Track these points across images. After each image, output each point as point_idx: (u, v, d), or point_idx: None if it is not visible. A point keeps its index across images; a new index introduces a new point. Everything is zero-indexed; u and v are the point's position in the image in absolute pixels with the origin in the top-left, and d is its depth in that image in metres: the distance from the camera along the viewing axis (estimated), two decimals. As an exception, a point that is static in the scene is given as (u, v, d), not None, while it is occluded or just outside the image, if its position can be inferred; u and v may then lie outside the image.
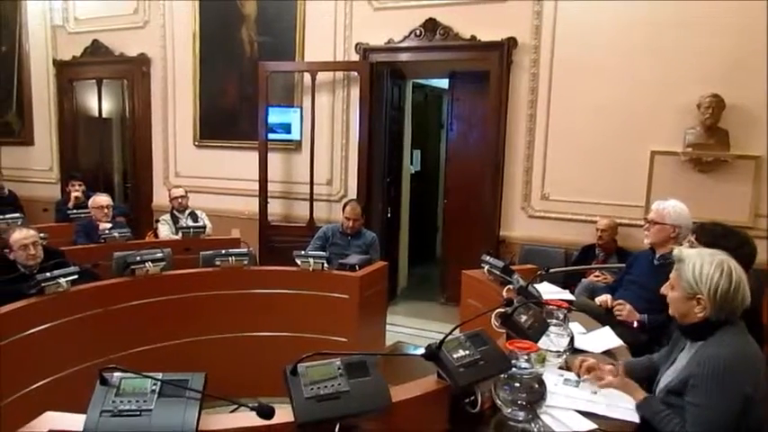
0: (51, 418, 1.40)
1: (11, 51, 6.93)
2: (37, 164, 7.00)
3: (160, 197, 6.23)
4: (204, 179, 5.95)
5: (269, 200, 5.48)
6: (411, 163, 6.35)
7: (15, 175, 6.96)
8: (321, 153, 5.41)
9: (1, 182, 6.57)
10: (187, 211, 5.09)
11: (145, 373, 1.33)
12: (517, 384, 1.61)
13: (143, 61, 6.17)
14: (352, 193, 5.30)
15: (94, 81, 6.66)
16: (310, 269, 3.50)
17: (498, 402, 1.61)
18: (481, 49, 4.84)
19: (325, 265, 3.53)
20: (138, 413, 1.27)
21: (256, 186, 5.48)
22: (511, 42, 4.69)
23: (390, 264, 4.28)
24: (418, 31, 4.96)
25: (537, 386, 1.63)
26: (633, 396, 1.74)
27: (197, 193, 5.51)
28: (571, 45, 4.51)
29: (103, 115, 6.79)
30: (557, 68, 4.60)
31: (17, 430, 1.36)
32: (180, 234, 4.60)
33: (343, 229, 4.26)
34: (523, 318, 1.92)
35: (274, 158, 5.54)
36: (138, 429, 1.25)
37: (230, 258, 3.51)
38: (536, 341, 1.85)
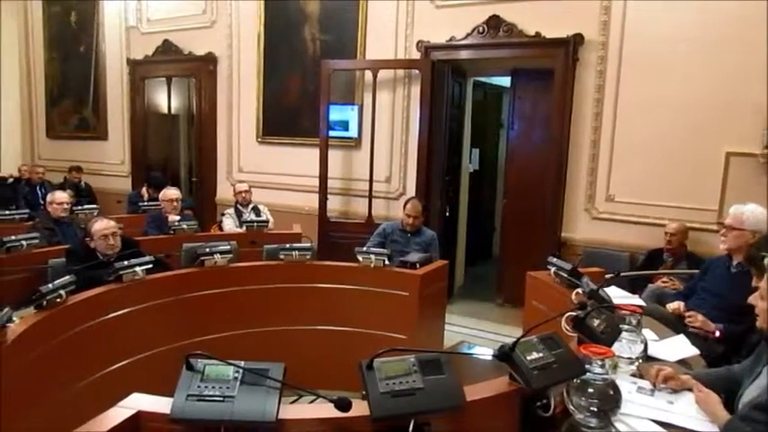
0: (139, 398, 1.47)
1: (88, 51, 7.32)
2: (110, 158, 7.37)
3: (223, 191, 6.43)
4: (266, 175, 6.11)
5: (328, 196, 5.56)
6: (470, 162, 6.30)
7: (90, 169, 7.34)
8: (380, 150, 5.45)
9: (79, 175, 6.97)
10: (250, 206, 5.24)
11: (228, 361, 1.38)
12: (591, 390, 1.57)
13: (210, 60, 6.38)
14: (411, 191, 5.31)
15: (164, 79, 6.96)
16: (371, 265, 3.53)
17: (571, 407, 1.58)
18: (546, 45, 4.75)
19: (386, 261, 3.55)
20: (222, 399, 1.31)
21: (316, 183, 5.57)
22: (577, 39, 4.58)
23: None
24: (481, 29, 4.92)
25: (611, 393, 1.59)
26: (715, 414, 1.66)
27: (258, 189, 5.66)
28: (641, 41, 4.37)
29: (172, 112, 7.08)
30: (625, 65, 4.46)
31: (108, 409, 1.44)
32: (244, 227, 4.74)
33: (403, 226, 4.27)
34: (596, 322, 1.88)
35: (334, 155, 5.62)
36: (221, 415, 1.29)
37: (294, 253, 3.57)
38: (609, 346, 1.80)
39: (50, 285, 2.56)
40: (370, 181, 5.41)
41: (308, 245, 3.71)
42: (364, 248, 3.72)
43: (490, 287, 5.84)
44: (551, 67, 4.77)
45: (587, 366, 1.62)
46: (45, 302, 2.51)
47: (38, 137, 8.04)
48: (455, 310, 5.09)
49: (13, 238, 3.71)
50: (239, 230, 4.82)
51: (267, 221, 4.91)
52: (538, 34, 4.73)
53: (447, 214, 5.62)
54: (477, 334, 4.68)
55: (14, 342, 2.18)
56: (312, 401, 1.48)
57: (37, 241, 3.82)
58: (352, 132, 5.64)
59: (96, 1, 7.15)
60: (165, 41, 6.65)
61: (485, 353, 3.56)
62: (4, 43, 7.71)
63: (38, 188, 6.74)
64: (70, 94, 7.63)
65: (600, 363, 1.63)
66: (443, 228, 5.43)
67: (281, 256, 3.59)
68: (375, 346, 3.13)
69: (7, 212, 4.82)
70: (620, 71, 4.48)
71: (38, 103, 7.93)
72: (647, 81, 4.36)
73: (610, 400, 1.57)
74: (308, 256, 3.61)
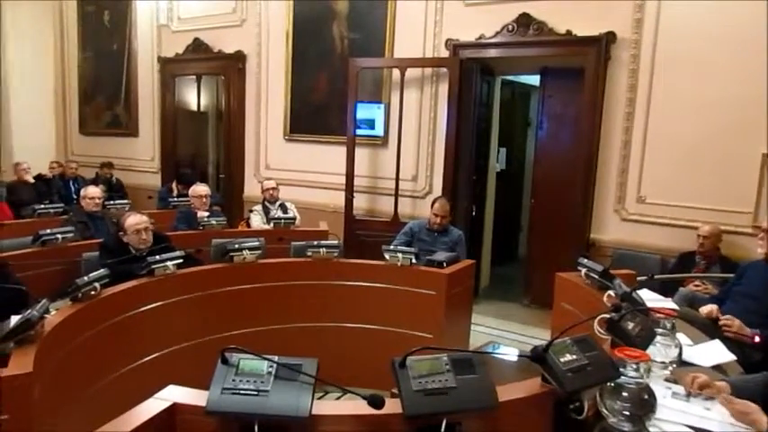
0: (174, 390, 1.49)
1: (121, 49, 7.46)
2: (140, 154, 7.50)
3: (251, 188, 6.50)
4: (292, 172, 6.16)
5: (354, 194, 5.57)
6: (497, 161, 6.25)
7: (121, 164, 7.49)
8: (407, 149, 5.44)
9: (110, 171, 7.12)
10: (277, 203, 5.28)
11: (263, 355, 1.39)
12: (625, 394, 1.55)
13: (239, 58, 6.45)
14: (438, 190, 5.30)
15: (194, 77, 7.05)
16: (398, 264, 3.53)
17: (604, 411, 1.56)
18: (577, 44, 4.69)
19: (413, 260, 3.54)
20: (256, 393, 1.33)
21: (342, 180, 5.59)
22: (609, 37, 4.52)
23: (473, 262, 4.25)
24: (511, 27, 4.88)
25: (646, 397, 1.56)
26: (758, 422, 1.61)
27: (285, 186, 5.69)
28: (675, 39, 4.28)
29: (200, 109, 7.17)
30: (659, 64, 4.38)
31: (142, 400, 1.47)
32: (271, 224, 4.78)
33: (430, 225, 4.26)
34: (630, 325, 1.85)
35: (360, 153, 5.63)
36: (255, 408, 1.30)
37: (321, 250, 3.59)
38: (643, 350, 1.77)
39: (86, 278, 2.62)
40: (397, 179, 5.41)
41: (336, 242, 3.73)
42: (391, 246, 3.72)
43: (516, 288, 5.80)
44: (582, 65, 4.71)
45: (621, 370, 1.60)
46: (80, 295, 2.57)
47: (71, 133, 8.23)
48: (480, 310, 5.06)
49: (49, 231, 3.81)
50: (266, 227, 4.86)
51: (294, 218, 4.95)
52: (569, 32, 4.67)
53: (473, 214, 5.59)
54: (502, 335, 4.65)
55: (51, 333, 2.23)
56: (339, 398, 1.49)
57: (71, 235, 3.91)
58: (378, 131, 5.65)
59: (129, 0, 7.27)
60: (196, 40, 6.74)
61: (512, 353, 3.54)
62: (41, 43, 7.91)
63: (71, 183, 6.90)
64: (103, 92, 7.79)
65: (635, 366, 1.60)
66: (469, 227, 5.41)
67: (309, 254, 3.61)
68: (401, 344, 3.14)
69: (42, 206, 4.93)
70: (654, 70, 4.40)
71: (71, 100, 8.12)
72: (681, 80, 4.28)
73: (645, 404, 1.55)
74: (335, 254, 3.63)
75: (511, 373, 2.56)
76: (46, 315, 2.29)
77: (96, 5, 7.64)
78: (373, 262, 3.63)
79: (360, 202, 5.69)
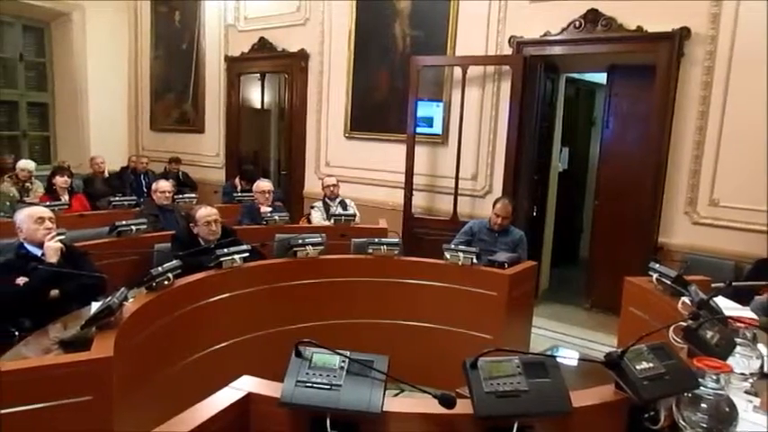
0: (248, 381, 1.54)
1: (190, 49, 7.73)
2: (206, 150, 7.76)
3: (311, 185, 6.62)
4: (352, 169, 6.21)
5: (413, 192, 5.57)
6: (559, 161, 6.11)
7: (188, 160, 7.77)
8: (467, 148, 5.39)
9: (178, 166, 7.41)
10: (338, 200, 5.35)
11: (335, 350, 1.42)
12: (704, 405, 1.49)
13: (302, 56, 6.56)
14: (498, 190, 5.23)
15: (258, 75, 7.23)
16: (459, 263, 3.51)
17: (681, 422, 1.50)
18: (648, 40, 4.52)
19: (475, 260, 3.52)
20: (329, 387, 1.35)
21: (401, 178, 5.60)
22: (683, 33, 4.32)
23: (533, 263, 4.17)
24: (578, 23, 4.75)
25: (727, 409, 1.49)
26: None
27: (344, 183, 5.75)
28: (755, 35, 4.05)
29: (264, 107, 7.35)
30: (736, 61, 4.17)
31: (214, 389, 1.52)
32: (332, 221, 4.85)
33: (491, 225, 4.21)
34: (709, 334, 1.77)
35: (419, 151, 5.61)
36: (328, 402, 1.33)
37: (382, 247, 3.62)
38: (723, 360, 1.70)
39: (160, 269, 2.74)
40: (456, 178, 5.37)
41: (396, 240, 3.75)
42: (452, 245, 3.70)
43: (576, 290, 5.65)
44: (653, 62, 4.53)
45: (700, 380, 1.54)
46: (155, 284, 2.69)
47: (142, 129, 8.61)
48: (540, 312, 4.96)
49: (124, 222, 4.01)
50: (327, 223, 4.94)
51: (354, 215, 5.00)
52: (639, 28, 4.50)
53: (534, 214, 5.48)
54: (563, 338, 4.54)
55: (129, 319, 2.35)
56: (396, 395, 1.50)
57: (144, 227, 4.10)
58: (437, 129, 5.62)
59: (199, 1, 7.54)
60: (261, 39, 6.90)
61: (571, 357, 3.45)
62: (116, 43, 8.32)
63: (142, 177, 7.23)
64: (172, 90, 8.10)
65: (714, 377, 1.54)
66: (530, 228, 5.30)
67: (370, 251, 3.65)
68: (460, 344, 3.14)
69: (117, 199, 5.19)
70: (731, 67, 4.18)
71: (143, 97, 8.49)
72: (759, 78, 4.04)
73: (725, 417, 1.48)
74: (395, 252, 3.65)
75: (572, 377, 2.49)
76: (125, 302, 2.42)
77: (168, 6, 7.95)
78: (434, 260, 3.63)
79: (418, 201, 5.69)
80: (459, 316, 3.46)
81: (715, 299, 2.47)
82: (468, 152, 5.40)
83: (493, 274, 3.45)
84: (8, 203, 4.96)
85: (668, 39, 4.37)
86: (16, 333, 2.66)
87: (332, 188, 5.32)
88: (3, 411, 1.76)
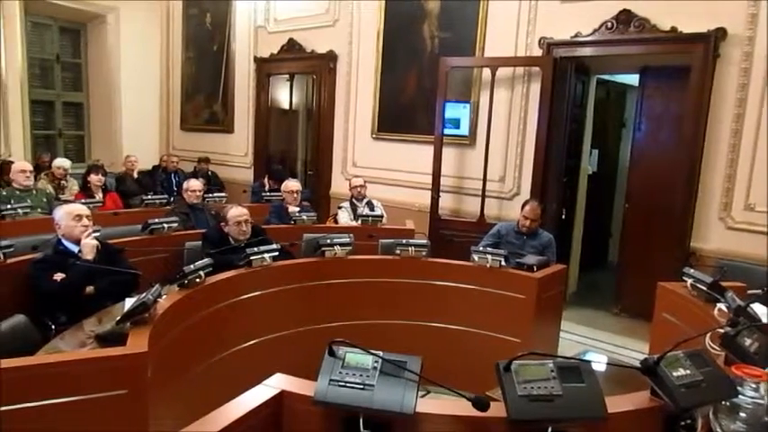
0: (282, 379, 1.56)
1: (220, 50, 7.85)
2: (235, 149, 7.86)
3: (338, 185, 6.65)
4: (379, 170, 6.22)
5: (440, 193, 5.56)
6: (588, 163, 6.03)
7: (217, 159, 7.89)
8: (495, 149, 5.35)
9: (207, 166, 7.52)
10: (365, 200, 5.36)
11: (368, 350, 1.43)
12: (743, 414, 1.46)
13: (331, 57, 6.60)
14: (525, 192, 5.18)
15: (287, 76, 7.30)
16: (487, 265, 3.49)
17: (718, 431, 1.48)
18: (682, 41, 4.43)
19: (503, 262, 3.49)
20: (362, 387, 1.36)
21: (428, 179, 5.59)
22: (719, 33, 4.23)
23: (562, 267, 4.12)
24: (610, 24, 4.68)
25: (766, 419, 1.46)
26: None
27: (371, 183, 5.76)
28: (795, 36, 3.95)
29: (292, 107, 7.42)
30: (775, 63, 4.06)
31: (251, 386, 1.55)
32: (359, 221, 4.87)
33: (519, 227, 4.18)
34: (748, 341, 1.74)
35: (447, 153, 5.59)
36: (361, 402, 1.34)
37: (410, 248, 3.62)
38: (763, 368, 1.66)
39: (192, 267, 2.79)
40: (484, 180, 5.33)
41: (424, 241, 3.75)
42: (480, 247, 3.69)
43: (605, 295, 5.57)
44: (687, 64, 4.44)
45: (739, 388, 1.51)
46: (187, 281, 2.74)
47: (173, 129, 8.77)
48: (568, 316, 4.89)
49: (157, 220, 4.08)
50: (354, 224, 4.95)
51: (381, 216, 5.00)
52: (673, 29, 4.42)
53: (563, 217, 5.42)
54: (592, 343, 4.48)
55: (162, 316, 2.40)
56: (423, 395, 1.49)
57: (176, 225, 4.17)
58: (463, 130, 5.59)
59: (229, 2, 7.64)
60: (290, 40, 6.96)
61: (600, 361, 3.41)
62: (149, 45, 8.49)
63: (172, 176, 7.36)
64: (202, 90, 8.23)
65: (754, 386, 1.51)
66: (558, 231, 5.24)
67: (397, 251, 3.65)
68: (488, 347, 3.11)
69: (149, 197, 5.29)
70: (770, 68, 4.09)
71: (174, 98, 8.64)
72: (800, 79, 3.95)
73: (764, 426, 1.45)
74: (423, 253, 3.65)
75: (601, 383, 2.44)
76: (159, 299, 2.46)
77: (199, 8, 8.08)
78: (462, 262, 3.62)
79: (445, 202, 5.67)
80: (487, 318, 3.44)
81: (752, 306, 2.42)
82: (495, 154, 5.36)
83: (521, 277, 3.42)
84: (45, 200, 5.10)
85: (703, 40, 4.28)
86: (53, 327, 2.74)
87: (359, 189, 5.34)
88: (42, 403, 1.82)
